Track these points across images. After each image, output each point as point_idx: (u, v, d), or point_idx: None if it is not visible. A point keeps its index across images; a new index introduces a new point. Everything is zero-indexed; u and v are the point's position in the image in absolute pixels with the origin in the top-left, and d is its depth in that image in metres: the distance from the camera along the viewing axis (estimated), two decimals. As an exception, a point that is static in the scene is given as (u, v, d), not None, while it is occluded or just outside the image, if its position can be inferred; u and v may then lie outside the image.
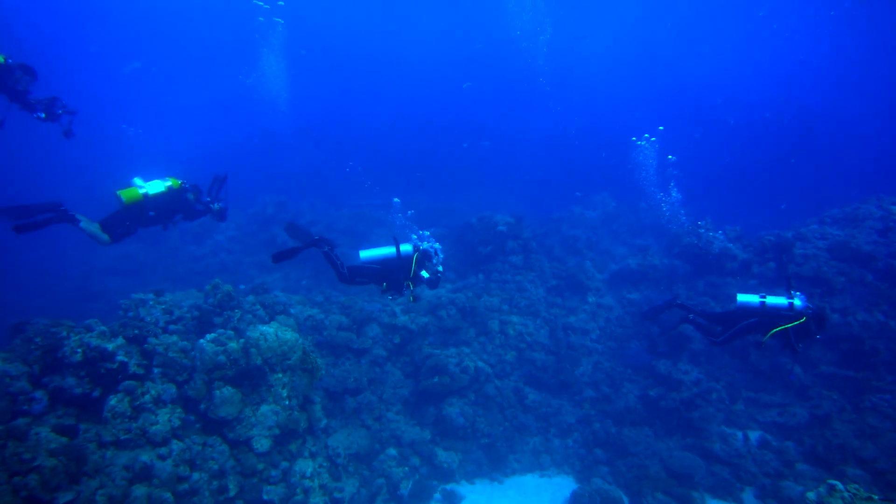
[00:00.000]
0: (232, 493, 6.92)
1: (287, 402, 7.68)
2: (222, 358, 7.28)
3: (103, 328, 7.13)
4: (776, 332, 6.98)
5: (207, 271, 15.01)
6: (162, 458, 6.58)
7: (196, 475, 6.68)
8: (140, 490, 6.05)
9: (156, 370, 7.22)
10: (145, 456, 6.50)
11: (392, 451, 9.18)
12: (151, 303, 8.04)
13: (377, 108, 34.85)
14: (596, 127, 31.11)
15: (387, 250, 6.82)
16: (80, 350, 6.73)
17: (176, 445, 6.75)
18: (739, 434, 10.05)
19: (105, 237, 6.19)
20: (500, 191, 23.58)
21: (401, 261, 6.75)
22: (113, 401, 6.64)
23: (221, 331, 7.74)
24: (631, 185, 22.44)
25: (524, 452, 9.99)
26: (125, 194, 6.27)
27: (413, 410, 10.02)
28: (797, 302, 7.06)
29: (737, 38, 40.42)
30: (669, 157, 16.52)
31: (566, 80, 37.64)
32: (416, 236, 7.44)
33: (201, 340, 7.42)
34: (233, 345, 7.43)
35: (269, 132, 28.64)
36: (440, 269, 6.95)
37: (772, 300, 7.17)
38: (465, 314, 11.30)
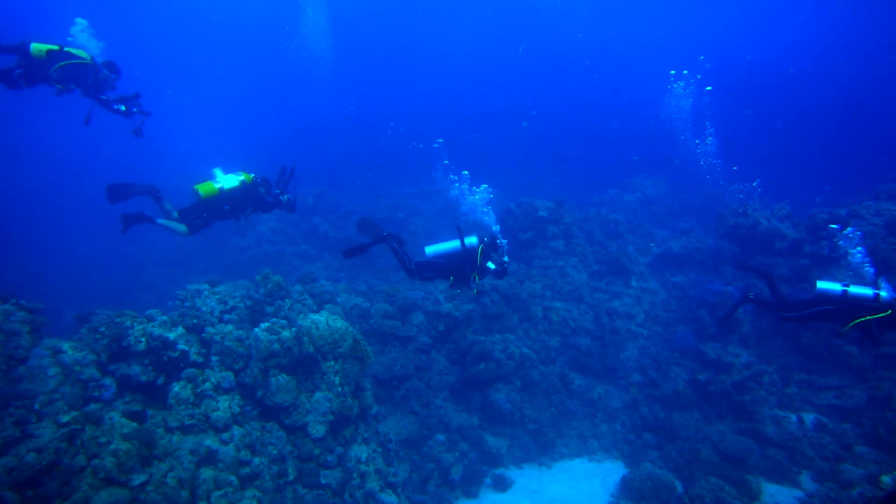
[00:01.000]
0: (291, 478, 7.11)
1: (340, 389, 7.82)
2: (276, 346, 7.45)
3: (164, 318, 7.38)
4: (857, 322, 6.67)
5: (252, 262, 15.36)
6: (224, 442, 6.79)
7: (257, 460, 6.87)
8: (207, 473, 6.27)
9: (214, 358, 7.44)
10: (209, 441, 6.72)
11: (441, 437, 9.28)
12: (206, 293, 8.29)
13: (415, 96, 34.64)
14: (633, 102, 30.30)
15: (452, 244, 6.86)
16: (143, 339, 7.00)
17: (237, 431, 6.96)
18: (794, 417, 9.80)
19: (183, 229, 6.51)
20: (534, 176, 23.33)
21: (466, 253, 6.76)
22: (176, 388, 6.89)
23: (275, 320, 7.92)
24: (669, 165, 21.98)
25: (571, 438, 9.98)
26: (203, 189, 6.57)
27: (459, 397, 10.09)
28: (884, 294, 6.73)
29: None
30: (708, 88, 15.79)
31: (603, 53, 36.87)
32: (469, 187, 7.48)
33: (256, 329, 7.60)
34: (286, 333, 7.59)
35: (307, 123, 28.97)
36: (506, 259, 6.94)
37: (855, 290, 6.81)
38: (509, 301, 11.28)
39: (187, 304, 8.04)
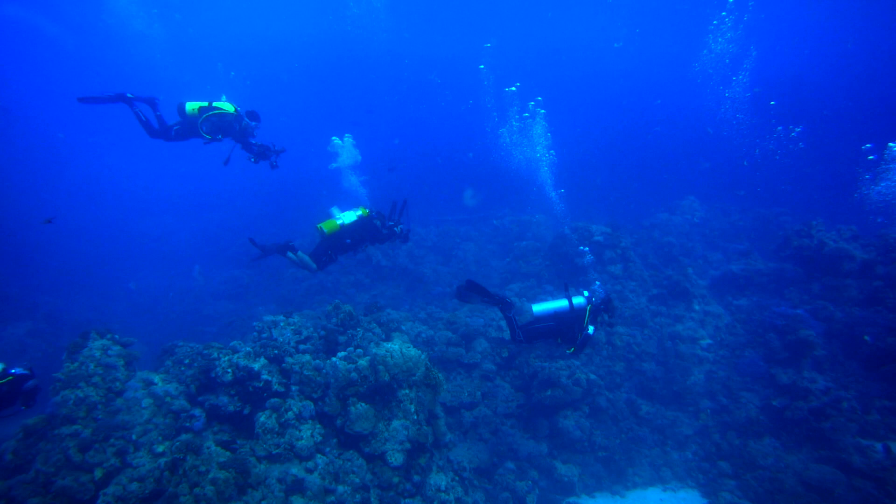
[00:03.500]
0: (373, 506, 7.14)
1: (415, 417, 7.85)
2: (354, 375, 7.57)
3: (248, 349, 7.60)
4: None
5: (308, 292, 15.65)
6: (309, 471, 6.90)
7: (341, 488, 6.94)
8: (298, 501, 6.38)
9: (294, 388, 7.59)
10: (294, 469, 6.83)
11: (510, 465, 9.20)
12: (282, 324, 8.49)
13: (457, 125, 35.06)
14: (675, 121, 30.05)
15: (559, 303, 6.84)
16: (230, 370, 7.21)
17: (320, 459, 7.06)
18: (879, 446, 9.36)
19: (314, 266, 6.94)
20: (578, 200, 23.25)
21: (574, 313, 6.73)
22: (262, 417, 7.05)
23: (351, 349, 8.06)
24: (717, 188, 21.61)
25: (643, 466, 9.76)
26: (326, 226, 7.06)
27: (526, 424, 10.01)
28: None
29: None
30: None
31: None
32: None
33: (334, 359, 7.75)
34: (362, 362, 7.71)
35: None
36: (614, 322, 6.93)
37: None
38: (570, 326, 11.21)
39: (265, 336, 8.27)
